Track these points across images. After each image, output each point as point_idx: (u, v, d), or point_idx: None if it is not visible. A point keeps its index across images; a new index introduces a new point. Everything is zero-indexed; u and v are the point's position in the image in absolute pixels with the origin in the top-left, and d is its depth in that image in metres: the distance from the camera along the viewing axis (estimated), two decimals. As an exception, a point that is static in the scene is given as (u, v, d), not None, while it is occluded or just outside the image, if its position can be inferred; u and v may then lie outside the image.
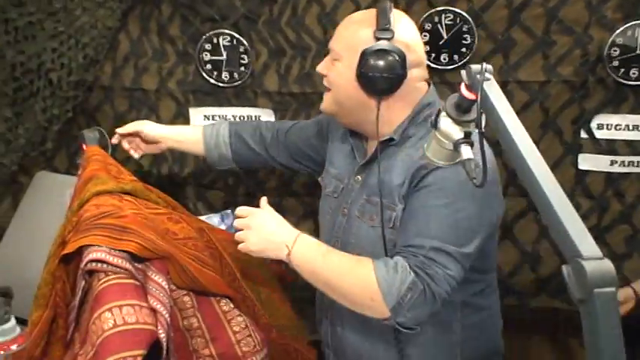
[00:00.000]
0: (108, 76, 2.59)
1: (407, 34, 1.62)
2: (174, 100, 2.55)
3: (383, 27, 1.57)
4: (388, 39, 1.56)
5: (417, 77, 1.64)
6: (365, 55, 1.56)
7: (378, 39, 1.57)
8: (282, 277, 1.91)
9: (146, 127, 2.09)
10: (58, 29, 2.47)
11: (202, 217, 1.98)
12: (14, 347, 1.18)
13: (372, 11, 1.63)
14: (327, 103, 1.73)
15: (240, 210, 1.60)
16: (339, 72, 1.65)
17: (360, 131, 1.75)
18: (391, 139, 1.65)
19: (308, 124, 2.08)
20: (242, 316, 1.51)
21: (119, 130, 2.09)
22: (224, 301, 1.51)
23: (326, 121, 1.96)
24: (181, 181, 2.57)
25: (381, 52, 1.55)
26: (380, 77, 1.56)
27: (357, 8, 2.35)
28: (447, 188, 1.51)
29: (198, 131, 2.13)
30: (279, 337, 1.60)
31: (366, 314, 1.51)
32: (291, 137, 2.06)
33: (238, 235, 1.55)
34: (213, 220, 2.03)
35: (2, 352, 1.17)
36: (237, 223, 1.56)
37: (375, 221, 1.62)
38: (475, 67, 1.24)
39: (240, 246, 1.54)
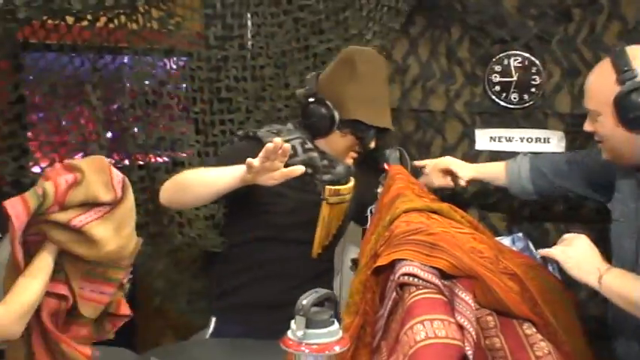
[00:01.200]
0: (396, 98, 2.71)
1: None
2: (460, 121, 2.59)
3: (623, 70, 1.66)
4: (632, 78, 1.65)
5: None
6: (619, 100, 1.66)
7: (622, 82, 1.66)
8: (577, 305, 1.84)
9: (453, 166, 2.21)
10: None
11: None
12: (337, 348, 1.28)
13: (605, 62, 1.73)
14: (606, 154, 1.82)
15: (566, 235, 1.76)
16: (604, 125, 1.75)
17: None
18: None
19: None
20: (545, 342, 1.48)
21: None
22: (526, 324, 1.49)
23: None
24: (464, 202, 2.59)
25: (632, 91, 1.64)
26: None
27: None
28: None
29: (501, 166, 2.24)
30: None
31: None
32: (587, 165, 2.09)
33: (556, 248, 1.71)
34: (504, 242, 2.01)
35: (327, 352, 1.27)
36: (560, 240, 1.74)
37: None
38: None
39: (557, 253, 1.69)
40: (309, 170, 1.95)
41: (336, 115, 1.95)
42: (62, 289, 1.54)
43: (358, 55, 2.02)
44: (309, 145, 2.00)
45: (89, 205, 1.52)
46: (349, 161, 2.09)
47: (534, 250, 2.10)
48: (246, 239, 2.04)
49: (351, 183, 2.10)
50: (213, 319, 2.16)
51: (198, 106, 2.53)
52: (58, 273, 1.53)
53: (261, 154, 1.66)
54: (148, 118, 2.46)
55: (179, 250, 2.63)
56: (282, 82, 2.59)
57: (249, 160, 1.68)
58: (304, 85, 2.14)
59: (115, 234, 1.54)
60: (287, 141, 1.95)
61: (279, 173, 1.71)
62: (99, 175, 1.54)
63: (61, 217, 1.49)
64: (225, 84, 2.54)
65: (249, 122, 2.56)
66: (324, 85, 2.01)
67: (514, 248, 2.01)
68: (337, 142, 2.00)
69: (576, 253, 1.69)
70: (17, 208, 1.43)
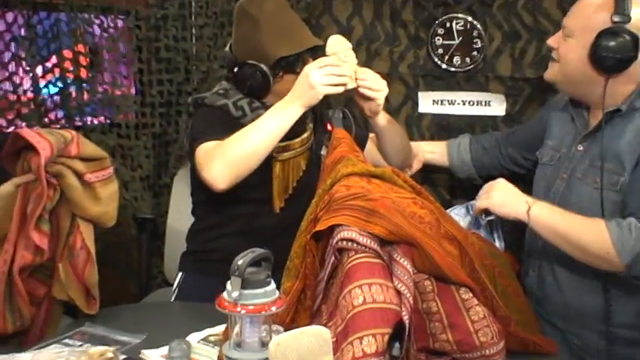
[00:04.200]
0: (340, 60, 2.69)
1: None
2: (404, 83, 2.59)
3: (621, 11, 1.69)
4: (624, 23, 1.69)
5: None
6: (601, 36, 1.70)
7: (615, 22, 1.70)
8: (514, 267, 1.88)
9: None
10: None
11: (449, 210, 1.99)
12: (274, 309, 1.27)
13: None
14: (552, 72, 1.88)
15: (485, 185, 1.87)
16: (571, 47, 1.80)
17: (583, 102, 1.89)
18: (618, 110, 1.78)
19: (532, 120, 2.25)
20: (480, 306, 1.50)
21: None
22: (463, 289, 1.51)
23: (547, 111, 2.10)
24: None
25: (617, 35, 1.69)
26: (612, 57, 1.70)
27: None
28: None
29: (443, 145, 2.36)
30: (516, 330, 1.57)
31: (599, 266, 1.71)
32: (520, 132, 2.22)
33: (480, 197, 1.84)
34: (460, 210, 2.04)
35: (263, 312, 1.27)
36: (481, 191, 1.86)
37: (598, 183, 1.76)
38: None
39: (481, 201, 1.83)
40: None
41: (264, 67, 1.91)
42: (44, 243, 1.56)
43: (247, 3, 1.94)
44: (256, 104, 1.95)
45: (91, 166, 1.62)
46: None
47: (483, 216, 2.13)
48: (210, 198, 1.96)
49: (305, 134, 2.06)
50: (180, 275, 2.15)
51: (137, 66, 2.45)
52: (43, 223, 1.56)
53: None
54: (85, 78, 2.38)
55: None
56: (220, 42, 2.54)
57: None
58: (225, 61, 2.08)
59: (109, 200, 1.65)
60: (234, 102, 1.93)
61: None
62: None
63: (79, 166, 1.58)
64: (165, 43, 2.47)
65: (188, 82, 2.51)
66: (238, 50, 1.96)
67: (468, 217, 2.05)
68: (282, 89, 1.91)
69: (500, 194, 1.80)
70: (42, 143, 1.49)
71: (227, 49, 2.00)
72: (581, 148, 1.87)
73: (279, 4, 1.97)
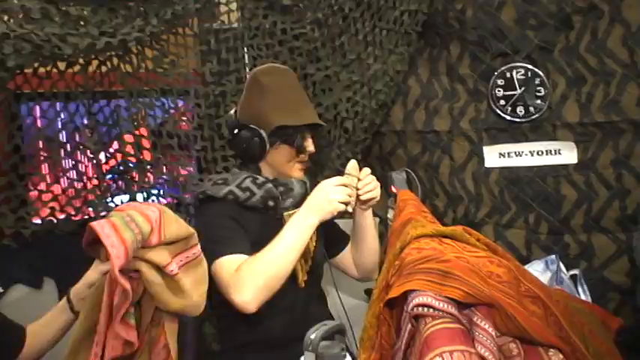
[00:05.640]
0: (400, 121, 2.66)
1: None
2: (467, 139, 2.53)
3: None
4: None
5: None
6: None
7: None
8: (608, 324, 1.74)
9: None
10: (352, 79, 2.61)
11: (527, 266, 1.90)
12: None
13: None
14: None
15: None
16: None
17: None
18: None
19: None
20: (573, 368, 1.40)
21: None
22: (552, 351, 1.40)
23: None
24: (479, 222, 2.52)
25: None
26: None
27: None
28: None
29: None
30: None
31: None
32: None
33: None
34: (538, 266, 1.94)
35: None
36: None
37: None
38: None
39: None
40: (271, 203, 1.92)
41: (262, 132, 1.92)
42: (132, 336, 1.46)
43: (259, 72, 2.01)
44: (260, 180, 1.96)
45: (175, 249, 1.48)
46: (299, 174, 2.03)
47: (564, 270, 2.02)
48: None
49: None
50: None
51: (200, 144, 2.48)
52: (129, 317, 1.46)
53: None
54: (148, 160, 2.42)
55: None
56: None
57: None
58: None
59: (195, 287, 1.50)
60: (238, 185, 1.93)
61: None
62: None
63: (160, 257, 1.44)
64: (226, 119, 2.49)
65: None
66: (243, 115, 1.99)
67: (548, 273, 1.94)
68: (277, 159, 1.97)
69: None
70: (116, 249, 1.35)
71: (232, 112, 2.03)
72: None
73: (289, 79, 2.03)
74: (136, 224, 1.41)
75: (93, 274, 1.58)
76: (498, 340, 1.40)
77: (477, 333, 1.37)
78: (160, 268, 1.45)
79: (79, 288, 1.61)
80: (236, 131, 1.98)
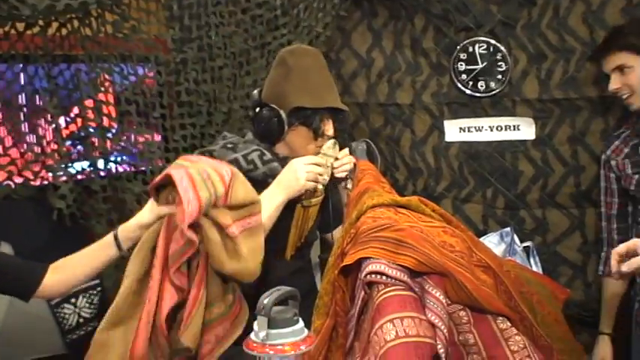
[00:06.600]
0: (363, 93, 2.66)
1: None
2: (428, 113, 2.54)
3: None
4: None
5: None
6: None
7: None
8: (556, 294, 1.79)
9: None
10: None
11: (482, 238, 1.93)
12: (303, 347, 1.21)
13: None
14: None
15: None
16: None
17: None
18: None
19: None
20: (520, 336, 1.43)
21: None
22: (500, 319, 1.44)
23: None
24: (438, 195, 2.54)
25: None
26: None
27: (628, 3, 2.17)
28: None
29: None
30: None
31: None
32: None
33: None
34: (493, 238, 1.97)
35: (293, 352, 1.20)
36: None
37: None
38: None
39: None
40: (271, 181, 1.91)
41: (282, 112, 1.91)
42: (184, 282, 1.44)
43: (288, 53, 1.99)
44: (267, 156, 1.95)
45: (238, 214, 1.46)
46: None
47: (518, 242, 2.06)
48: None
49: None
50: None
51: (158, 112, 2.45)
52: (182, 266, 1.44)
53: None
54: (108, 127, 2.38)
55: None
56: (238, 82, 2.53)
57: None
58: (258, 86, 2.10)
59: (252, 254, 1.47)
60: (245, 155, 1.92)
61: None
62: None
63: (225, 218, 1.42)
64: (185, 87, 2.47)
65: (211, 125, 2.49)
66: (266, 94, 1.98)
67: (503, 245, 1.97)
68: (295, 141, 1.95)
69: None
70: (192, 205, 1.35)
71: (255, 92, 2.02)
72: None
73: (317, 61, 1.99)
74: (212, 183, 1.41)
75: (148, 215, 1.51)
76: (449, 307, 1.43)
77: (428, 300, 1.39)
78: (221, 228, 1.43)
79: (129, 226, 1.54)
80: (257, 110, 1.97)
